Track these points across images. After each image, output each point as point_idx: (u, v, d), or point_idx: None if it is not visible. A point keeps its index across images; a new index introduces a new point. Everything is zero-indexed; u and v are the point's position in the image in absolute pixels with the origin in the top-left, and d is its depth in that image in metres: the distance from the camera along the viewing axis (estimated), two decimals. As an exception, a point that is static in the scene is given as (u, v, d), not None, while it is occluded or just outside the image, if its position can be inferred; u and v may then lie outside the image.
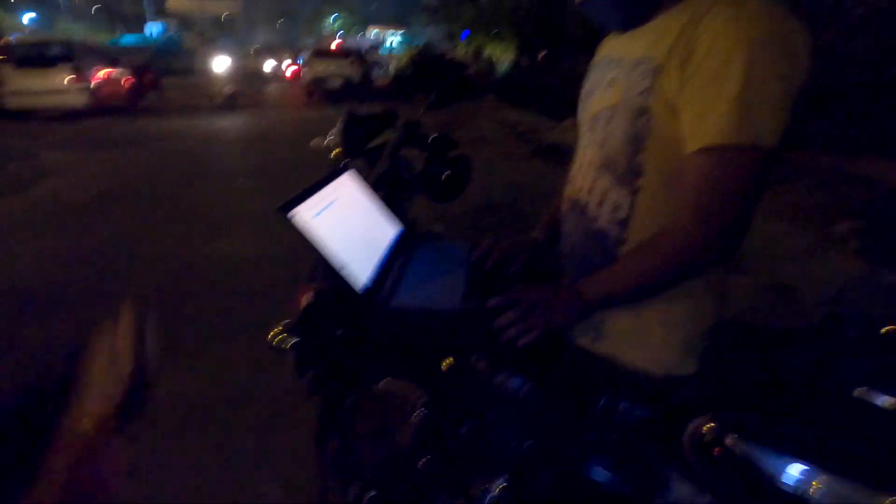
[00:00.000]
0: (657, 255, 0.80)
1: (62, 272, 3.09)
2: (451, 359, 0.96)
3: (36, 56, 9.75)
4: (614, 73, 0.88)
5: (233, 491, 1.64)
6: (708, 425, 0.73)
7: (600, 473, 0.89)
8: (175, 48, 21.31)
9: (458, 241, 1.24)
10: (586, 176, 0.93)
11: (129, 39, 23.98)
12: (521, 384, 0.91)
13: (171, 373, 2.14)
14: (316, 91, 12.56)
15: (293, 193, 0.85)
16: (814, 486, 0.62)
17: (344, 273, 0.87)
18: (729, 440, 0.70)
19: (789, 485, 0.64)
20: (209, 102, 11.78)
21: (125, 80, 10.74)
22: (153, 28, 28.77)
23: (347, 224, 0.99)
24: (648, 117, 0.80)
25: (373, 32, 45.26)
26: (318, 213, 0.90)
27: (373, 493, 1.10)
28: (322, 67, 12.73)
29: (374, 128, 2.18)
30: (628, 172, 0.85)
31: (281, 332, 1.06)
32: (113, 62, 10.67)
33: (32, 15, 31.29)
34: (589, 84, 0.97)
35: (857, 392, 0.70)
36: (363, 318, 0.93)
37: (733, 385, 0.84)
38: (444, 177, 2.21)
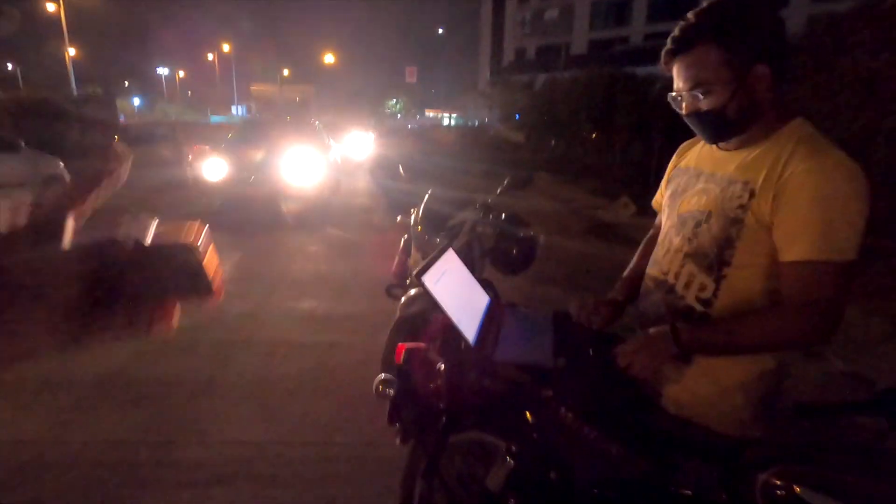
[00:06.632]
0: (765, 327, 1.00)
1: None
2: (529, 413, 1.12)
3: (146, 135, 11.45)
4: (705, 185, 1.13)
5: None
6: (780, 477, 0.84)
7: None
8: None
9: (538, 308, 1.42)
10: (673, 261, 1.16)
11: (217, 119, 26.66)
12: (608, 440, 1.04)
13: (257, 424, 2.35)
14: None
15: (424, 264, 1.10)
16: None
17: (460, 329, 1.07)
18: (798, 489, 0.81)
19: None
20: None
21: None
22: (237, 109, 32.56)
23: (456, 291, 1.20)
24: (741, 226, 1.03)
25: (430, 115, 48.73)
26: (437, 281, 1.12)
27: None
28: None
29: (453, 207, 2.46)
30: (716, 264, 1.07)
31: (383, 381, 1.26)
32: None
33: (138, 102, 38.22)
34: (678, 186, 1.22)
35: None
36: (472, 368, 1.11)
37: (800, 445, 0.95)
38: (514, 252, 2.43)
